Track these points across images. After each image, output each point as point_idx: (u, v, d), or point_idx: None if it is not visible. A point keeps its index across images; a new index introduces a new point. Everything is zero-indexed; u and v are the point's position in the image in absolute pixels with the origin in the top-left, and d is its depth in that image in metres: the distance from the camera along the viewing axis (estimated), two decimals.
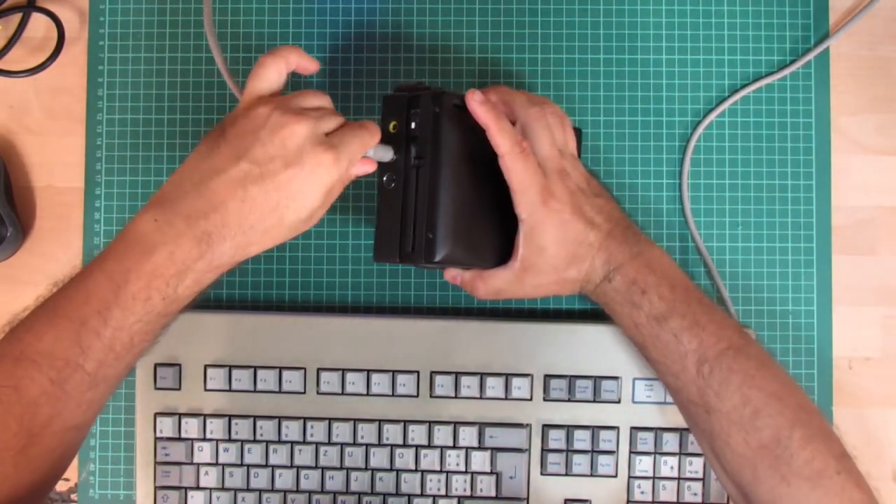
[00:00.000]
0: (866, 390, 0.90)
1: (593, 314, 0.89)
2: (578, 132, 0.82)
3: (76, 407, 0.65)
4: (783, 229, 0.89)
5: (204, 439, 0.85)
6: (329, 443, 0.85)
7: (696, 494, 0.85)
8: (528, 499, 0.85)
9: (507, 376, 0.85)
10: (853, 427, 0.89)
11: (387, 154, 0.75)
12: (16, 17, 0.89)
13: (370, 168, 0.73)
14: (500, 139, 0.73)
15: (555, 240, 0.75)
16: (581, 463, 0.85)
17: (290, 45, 0.73)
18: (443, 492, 0.85)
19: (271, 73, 0.70)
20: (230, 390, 0.85)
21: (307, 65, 0.73)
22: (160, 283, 0.64)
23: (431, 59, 0.90)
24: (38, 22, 0.90)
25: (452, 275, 0.81)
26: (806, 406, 0.72)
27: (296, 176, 0.66)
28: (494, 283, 0.78)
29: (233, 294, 0.90)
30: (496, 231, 0.78)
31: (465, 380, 0.85)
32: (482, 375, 0.85)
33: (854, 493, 0.69)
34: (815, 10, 0.90)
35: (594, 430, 0.85)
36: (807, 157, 0.90)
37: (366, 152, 0.72)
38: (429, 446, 0.85)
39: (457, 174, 0.75)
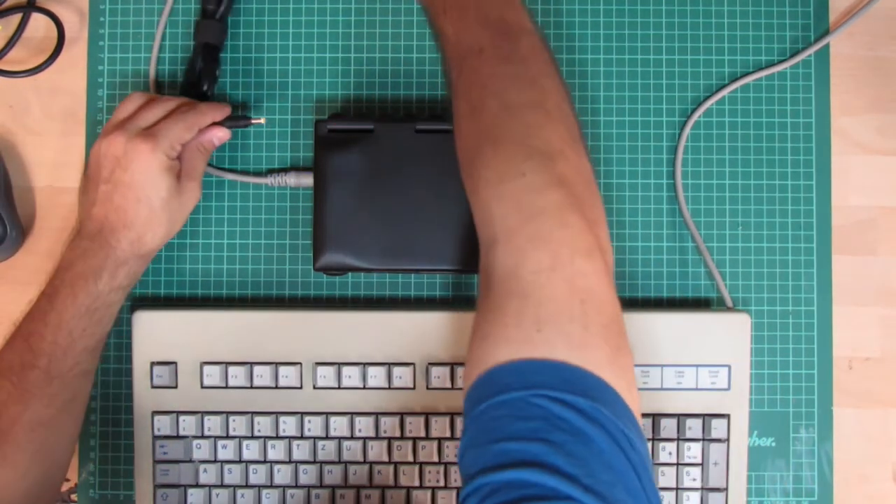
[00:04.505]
0: (866, 390, 0.90)
1: None
2: None
3: (39, 402, 0.77)
4: (783, 229, 0.89)
5: (202, 437, 0.85)
6: (327, 437, 0.85)
7: (694, 480, 0.84)
8: None
9: None
10: (853, 427, 0.89)
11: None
12: (16, 17, 0.90)
13: (221, 133, 0.85)
14: None
15: None
16: None
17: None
18: (441, 483, 0.85)
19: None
20: (227, 387, 0.85)
21: None
22: (81, 283, 0.78)
23: (431, 60, 0.90)
24: (38, 22, 0.91)
25: None
26: (541, 107, 0.68)
27: (134, 171, 0.79)
28: None
29: (232, 293, 0.90)
30: (407, 232, 0.84)
31: (461, 370, 0.84)
32: None
33: (549, 194, 0.64)
34: (815, 8, 0.90)
35: None
36: (807, 157, 0.89)
37: (204, 125, 0.84)
38: (426, 438, 0.85)
39: (341, 190, 0.84)
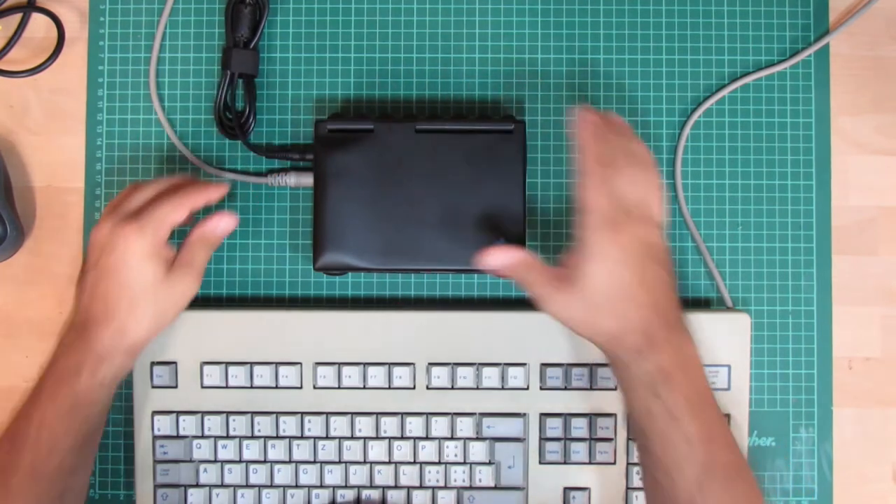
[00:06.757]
0: (866, 390, 0.90)
1: None
2: None
3: (23, 501, 0.75)
4: (783, 229, 0.89)
5: (202, 436, 0.85)
6: (327, 437, 0.85)
7: None
8: (527, 488, 0.85)
9: (503, 366, 0.85)
10: (853, 427, 0.89)
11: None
12: (16, 17, 0.90)
13: (225, 222, 0.82)
14: (586, 158, 0.74)
15: (605, 272, 0.71)
16: (579, 451, 0.85)
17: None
18: (442, 483, 0.85)
19: None
20: (227, 387, 0.85)
21: None
22: (62, 382, 0.76)
23: (431, 60, 0.90)
24: (38, 22, 0.90)
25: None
26: None
27: (118, 256, 0.76)
28: (537, 289, 0.75)
29: (232, 293, 0.90)
30: (407, 232, 0.84)
31: (461, 371, 0.85)
32: (478, 366, 0.85)
33: None
34: (815, 8, 0.90)
35: (591, 417, 0.85)
36: (807, 157, 0.89)
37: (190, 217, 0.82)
38: (427, 438, 0.85)
39: (341, 190, 0.84)
